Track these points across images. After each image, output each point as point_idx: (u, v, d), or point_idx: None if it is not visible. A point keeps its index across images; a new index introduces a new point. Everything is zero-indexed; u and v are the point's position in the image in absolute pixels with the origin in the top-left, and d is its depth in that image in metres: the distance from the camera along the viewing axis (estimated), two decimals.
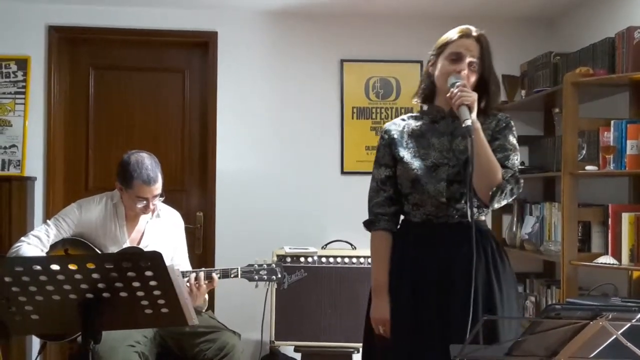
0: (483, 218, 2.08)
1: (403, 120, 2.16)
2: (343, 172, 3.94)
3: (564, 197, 3.03)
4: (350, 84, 3.97)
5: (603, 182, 3.32)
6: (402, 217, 2.12)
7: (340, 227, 3.79)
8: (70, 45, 3.93)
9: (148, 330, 2.71)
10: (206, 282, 2.68)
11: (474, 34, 2.03)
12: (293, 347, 3.38)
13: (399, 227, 2.12)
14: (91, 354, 1.82)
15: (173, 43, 3.96)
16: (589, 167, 3.02)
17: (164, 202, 2.88)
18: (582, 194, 3.13)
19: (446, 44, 2.02)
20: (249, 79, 3.93)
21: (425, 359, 1.93)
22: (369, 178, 2.18)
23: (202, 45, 3.95)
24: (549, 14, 3.89)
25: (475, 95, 1.90)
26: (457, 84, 1.91)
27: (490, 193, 1.90)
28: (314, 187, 3.93)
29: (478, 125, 1.88)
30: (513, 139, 2.03)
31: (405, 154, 2.05)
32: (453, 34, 2.04)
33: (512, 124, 2.06)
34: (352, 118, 3.98)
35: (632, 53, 2.89)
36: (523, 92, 3.84)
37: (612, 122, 2.95)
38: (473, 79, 2.00)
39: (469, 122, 1.83)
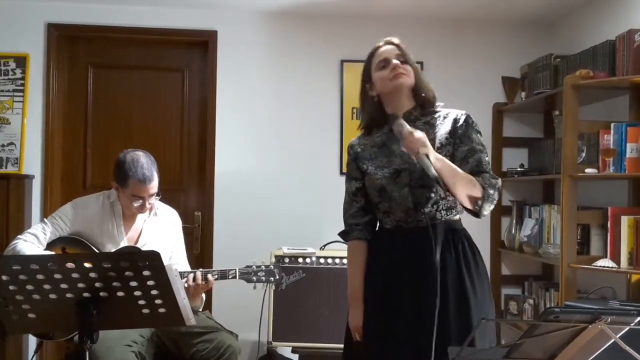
0: (457, 217, 2.12)
1: (365, 135, 2.22)
2: (342, 173, 3.92)
3: (563, 199, 3.02)
4: (350, 85, 3.97)
5: (602, 185, 3.32)
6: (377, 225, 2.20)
7: (338, 228, 3.77)
8: (69, 43, 3.92)
9: (145, 330, 2.71)
10: (203, 282, 2.68)
11: (383, 42, 2.16)
12: (291, 347, 3.37)
13: (374, 234, 2.18)
14: (88, 354, 1.82)
15: (172, 42, 3.96)
16: (588, 170, 3.02)
17: (161, 200, 2.88)
18: (581, 197, 3.13)
19: (370, 62, 2.15)
20: (248, 78, 3.93)
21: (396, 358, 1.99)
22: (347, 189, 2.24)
23: (202, 45, 3.94)
24: (550, 16, 3.89)
25: (423, 136, 1.91)
26: (402, 130, 1.93)
27: (477, 208, 1.97)
28: (312, 187, 3.93)
29: (439, 157, 1.93)
30: (478, 137, 2.07)
31: (369, 165, 2.13)
32: (371, 51, 2.17)
33: (471, 118, 2.09)
34: (352, 118, 3.97)
35: (633, 56, 2.89)
36: (523, 94, 3.84)
37: (612, 124, 2.95)
38: (409, 68, 2.09)
39: (434, 173, 1.87)
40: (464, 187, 1.94)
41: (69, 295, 1.77)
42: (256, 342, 3.54)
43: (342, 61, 3.96)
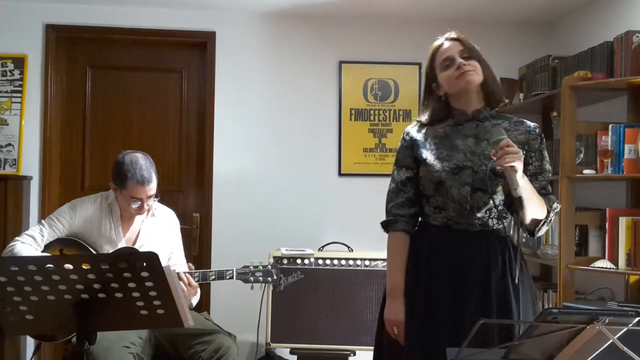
0: (501, 226, 2.01)
1: (426, 121, 2.09)
2: (341, 174, 3.93)
3: (561, 201, 3.02)
4: (348, 86, 3.97)
5: (600, 186, 3.32)
6: (420, 219, 2.09)
7: (337, 229, 3.78)
8: (68, 44, 3.92)
9: (143, 331, 2.71)
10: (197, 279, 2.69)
11: (444, 39, 2.05)
12: (289, 349, 3.37)
13: (416, 229, 2.08)
14: (86, 355, 1.82)
15: (171, 43, 3.96)
16: (586, 171, 3.02)
17: (159, 201, 2.87)
18: (579, 198, 3.13)
19: (433, 62, 2.05)
20: (247, 79, 3.93)
21: None
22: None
23: (200, 46, 3.94)
24: (548, 18, 3.89)
25: (519, 160, 1.79)
26: (502, 141, 1.81)
27: (539, 228, 1.93)
28: (311, 188, 3.93)
29: (523, 174, 1.83)
30: (546, 153, 2.02)
31: (428, 155, 2.01)
32: (432, 51, 2.07)
33: (542, 134, 2.04)
34: (350, 120, 3.97)
35: (631, 57, 2.89)
36: (521, 96, 3.84)
37: (610, 126, 2.95)
38: (476, 64, 1.98)
39: (520, 192, 1.79)
40: (535, 209, 1.88)
41: (67, 296, 1.77)
42: (254, 343, 3.54)
43: (341, 62, 3.96)
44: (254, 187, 3.91)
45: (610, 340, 1.28)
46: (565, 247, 3.01)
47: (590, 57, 3.17)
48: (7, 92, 3.75)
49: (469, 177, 1.94)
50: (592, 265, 2.96)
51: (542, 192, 1.95)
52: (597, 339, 1.30)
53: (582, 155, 3.10)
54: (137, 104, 3.96)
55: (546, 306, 3.52)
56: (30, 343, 3.59)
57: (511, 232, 2.04)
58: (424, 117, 2.08)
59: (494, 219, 1.96)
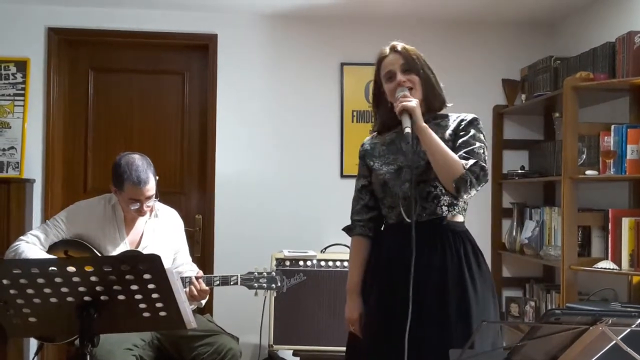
0: (461, 219, 2.14)
1: (379, 134, 2.28)
2: (343, 176, 3.93)
3: (564, 201, 3.02)
4: (350, 88, 3.97)
5: (603, 187, 3.31)
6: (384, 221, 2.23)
7: (339, 231, 3.73)
8: (70, 47, 3.93)
9: (146, 333, 2.71)
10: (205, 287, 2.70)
11: (388, 50, 2.20)
12: (292, 351, 3.37)
13: (382, 230, 2.22)
14: (89, 357, 1.81)
15: (173, 45, 3.96)
16: (589, 172, 3.02)
17: (160, 202, 2.87)
18: (582, 199, 3.13)
19: (379, 73, 2.20)
20: (248, 81, 3.93)
21: (396, 357, 1.98)
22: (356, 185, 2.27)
23: (202, 48, 3.95)
24: (550, 19, 3.89)
25: (414, 101, 2.02)
26: (398, 95, 2.06)
27: (454, 184, 1.98)
28: (313, 190, 3.93)
29: (424, 125, 2.00)
30: (478, 134, 2.10)
31: (376, 162, 2.20)
32: (379, 60, 2.22)
33: (478, 121, 2.14)
34: (352, 122, 3.98)
35: (633, 58, 2.89)
36: (523, 97, 3.84)
37: (612, 126, 2.95)
38: (416, 80, 2.12)
39: (408, 130, 1.96)
40: (442, 162, 1.98)
41: (69, 299, 1.77)
42: (257, 345, 3.53)
43: (342, 64, 3.97)
44: (255, 189, 3.91)
45: (614, 341, 1.28)
46: (568, 248, 3.01)
47: (592, 57, 3.17)
48: (9, 95, 3.76)
49: (408, 175, 2.08)
50: (595, 266, 2.95)
51: (464, 156, 2.03)
52: (601, 340, 1.30)
53: (584, 156, 3.10)
54: (139, 107, 3.96)
55: (549, 307, 3.52)
56: (32, 344, 3.59)
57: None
58: (376, 127, 2.28)
59: (443, 207, 2.07)
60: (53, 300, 1.77)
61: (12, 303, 1.79)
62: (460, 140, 2.08)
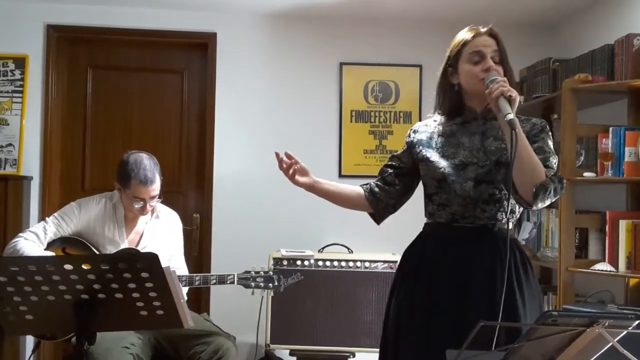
0: (510, 227, 1.96)
1: (435, 121, 2.09)
2: (341, 176, 3.93)
3: (561, 203, 3.02)
4: (349, 87, 3.97)
5: (601, 189, 3.32)
6: (426, 219, 2.09)
7: (337, 231, 3.78)
8: (69, 44, 3.92)
9: (143, 332, 2.71)
10: None
11: (485, 30, 2.00)
12: (288, 350, 3.37)
13: (423, 228, 2.09)
14: (85, 356, 1.81)
15: (172, 44, 3.96)
16: (587, 174, 3.02)
17: (162, 203, 2.88)
18: (579, 201, 3.13)
19: (462, 47, 1.99)
20: (247, 81, 3.93)
21: None
22: (367, 181, 2.21)
23: (201, 47, 3.94)
24: (549, 20, 3.90)
25: (516, 92, 1.81)
26: (497, 79, 1.83)
27: (534, 190, 1.81)
28: None
29: (517, 120, 1.79)
30: (551, 143, 1.95)
31: (432, 153, 2.01)
32: (465, 35, 2.00)
33: (548, 128, 1.99)
34: (351, 121, 3.98)
35: (631, 60, 2.89)
36: (522, 98, 3.83)
37: (610, 128, 2.95)
38: (501, 70, 1.93)
39: (511, 116, 1.74)
40: (529, 164, 1.79)
41: (67, 296, 1.77)
42: (254, 344, 3.54)
43: (341, 64, 3.97)
44: (254, 188, 3.91)
45: (610, 343, 1.28)
46: (565, 250, 3.01)
47: (591, 59, 3.17)
48: (7, 92, 3.75)
49: (472, 173, 1.93)
50: (592, 268, 2.96)
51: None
52: (597, 341, 1.30)
53: (582, 158, 3.10)
54: (138, 105, 3.96)
55: (546, 309, 3.52)
56: (29, 342, 3.59)
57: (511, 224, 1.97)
58: (442, 110, 2.06)
59: (502, 213, 1.92)
60: (50, 297, 1.77)
61: (9, 300, 1.78)
62: (535, 146, 1.89)
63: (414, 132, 2.11)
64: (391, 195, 2.12)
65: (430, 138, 2.05)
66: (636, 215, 2.96)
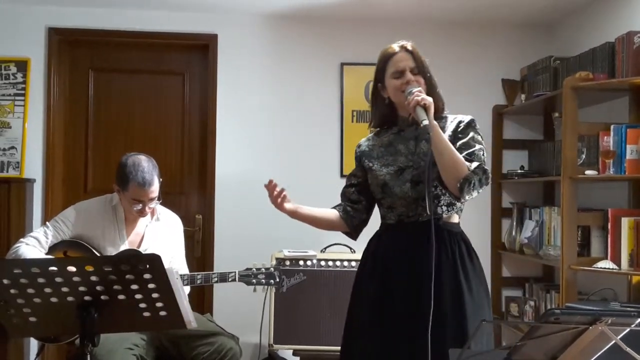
0: (456, 220, 2.17)
1: (375, 135, 2.31)
2: (342, 176, 3.93)
3: (563, 201, 3.02)
4: (350, 88, 3.97)
5: (603, 187, 3.32)
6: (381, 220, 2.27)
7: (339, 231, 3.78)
8: (70, 47, 3.93)
9: (146, 333, 2.71)
10: None
11: (399, 47, 2.20)
12: (292, 350, 3.37)
13: (378, 231, 2.25)
14: (89, 357, 1.82)
15: (173, 46, 3.97)
16: (588, 172, 3.02)
17: (162, 204, 2.88)
18: (581, 199, 3.13)
19: (384, 65, 2.20)
20: (249, 82, 3.93)
21: (391, 355, 2.04)
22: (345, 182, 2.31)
23: (202, 48, 3.95)
24: (549, 19, 3.89)
25: (430, 98, 2.03)
26: (413, 90, 2.06)
27: (459, 184, 2.00)
28: (313, 190, 3.91)
29: (435, 123, 2.00)
30: (477, 136, 2.13)
31: (374, 163, 2.22)
32: (384, 57, 2.22)
33: (475, 122, 2.16)
34: (352, 121, 3.98)
35: (632, 58, 2.89)
36: (523, 97, 3.84)
37: (611, 126, 2.95)
38: (422, 82, 2.14)
39: (426, 122, 1.97)
40: (450, 162, 1.99)
41: (70, 298, 1.78)
42: (257, 345, 3.53)
43: (342, 64, 3.97)
44: (256, 188, 3.88)
45: (613, 341, 1.28)
46: (567, 248, 3.01)
47: (592, 57, 3.17)
48: (10, 95, 3.76)
49: (409, 175, 2.12)
50: (595, 265, 2.96)
51: (466, 159, 2.04)
52: (600, 339, 1.31)
53: (584, 156, 3.10)
54: (140, 107, 3.97)
55: (549, 307, 3.52)
56: (33, 345, 3.59)
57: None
58: (373, 123, 2.30)
59: (443, 207, 2.10)
60: (53, 300, 1.77)
61: (13, 303, 1.79)
62: (460, 142, 2.10)
63: (358, 147, 2.33)
64: (360, 211, 2.31)
65: (372, 150, 2.27)
66: (638, 212, 2.96)
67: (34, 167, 3.78)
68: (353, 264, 3.36)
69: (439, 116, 2.18)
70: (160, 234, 2.87)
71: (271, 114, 3.94)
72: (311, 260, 3.37)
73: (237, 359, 2.74)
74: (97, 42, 3.92)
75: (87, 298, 1.78)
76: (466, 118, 2.17)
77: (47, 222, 2.83)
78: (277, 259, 3.34)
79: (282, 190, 2.32)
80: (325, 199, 3.88)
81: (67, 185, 3.92)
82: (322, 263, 3.36)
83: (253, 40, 3.94)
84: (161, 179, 2.77)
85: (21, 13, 3.81)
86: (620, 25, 3.14)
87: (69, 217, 2.78)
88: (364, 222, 2.32)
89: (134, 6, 3.81)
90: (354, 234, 2.34)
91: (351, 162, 3.91)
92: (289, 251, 3.42)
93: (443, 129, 2.13)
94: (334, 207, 2.36)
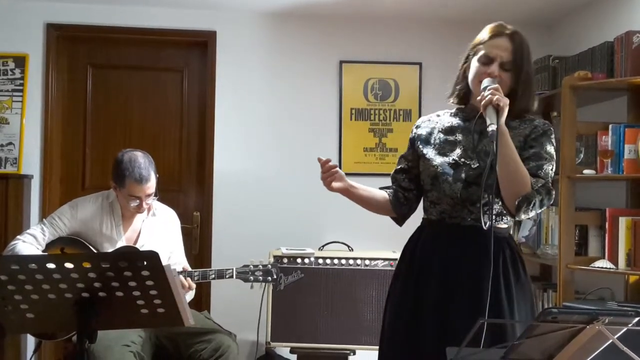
0: (505, 226, 1.99)
1: (438, 115, 2.11)
2: None
3: (561, 200, 3.03)
4: (349, 85, 3.97)
5: (600, 186, 3.32)
6: (423, 214, 2.12)
7: (337, 228, 3.78)
8: (69, 43, 3.92)
9: (143, 330, 2.71)
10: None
11: (507, 32, 1.97)
12: (289, 348, 3.37)
13: (421, 222, 2.10)
14: (86, 354, 1.82)
15: (172, 42, 3.96)
16: (586, 171, 3.02)
17: (160, 200, 2.87)
18: (579, 198, 3.13)
19: (478, 45, 1.98)
20: (247, 79, 3.93)
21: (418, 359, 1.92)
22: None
23: (201, 45, 3.94)
24: (548, 18, 3.89)
25: (506, 100, 1.81)
26: (490, 87, 1.84)
27: (517, 202, 1.82)
28: (311, 188, 3.89)
29: (505, 130, 1.81)
30: (550, 148, 1.93)
31: (429, 150, 2.02)
32: (485, 34, 1.99)
33: (551, 131, 1.96)
34: (351, 119, 3.98)
35: (631, 57, 2.90)
36: None
37: (610, 126, 2.95)
38: (506, 79, 1.92)
39: (493, 127, 1.76)
40: (513, 175, 1.80)
41: (67, 295, 1.77)
42: (254, 342, 3.54)
43: (341, 62, 3.97)
44: (254, 186, 3.91)
45: (610, 340, 1.28)
46: (565, 247, 3.01)
47: (591, 57, 3.17)
48: (8, 91, 3.75)
49: (463, 173, 1.94)
50: (592, 265, 2.96)
51: (533, 173, 1.86)
52: (597, 339, 1.31)
53: (582, 155, 3.11)
54: (138, 103, 3.96)
55: (546, 306, 3.52)
56: (30, 341, 3.59)
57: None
58: (450, 95, 2.07)
59: (487, 216, 1.89)
60: (51, 296, 1.77)
61: (10, 299, 1.78)
62: (531, 151, 1.89)
63: (416, 127, 2.12)
64: (411, 200, 2.13)
65: (430, 134, 2.06)
66: (636, 212, 2.96)
67: (31, 164, 3.77)
68: (351, 262, 3.36)
69: (523, 118, 1.98)
70: (157, 229, 2.87)
71: (270, 112, 3.93)
72: (309, 258, 3.37)
73: (235, 356, 2.74)
74: (95, 38, 3.91)
75: (84, 295, 1.77)
76: (543, 124, 1.96)
77: (44, 219, 2.83)
78: (274, 256, 3.34)
79: (336, 168, 2.04)
80: (323, 196, 3.90)
81: (64, 181, 3.91)
82: (320, 261, 3.36)
83: (252, 38, 3.93)
84: (157, 175, 2.76)
85: (19, 9, 3.80)
86: (619, 25, 3.14)
87: (66, 214, 2.78)
88: (413, 210, 2.13)
89: (133, 2, 3.80)
90: (401, 220, 2.15)
91: (350, 160, 3.98)
92: (286, 249, 3.42)
93: (515, 129, 1.93)
94: (384, 188, 2.13)
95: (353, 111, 3.98)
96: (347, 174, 3.92)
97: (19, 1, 3.79)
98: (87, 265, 1.72)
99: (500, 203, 1.87)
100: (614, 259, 2.92)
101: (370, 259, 3.36)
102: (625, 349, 1.28)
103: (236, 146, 3.91)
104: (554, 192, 1.88)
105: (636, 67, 2.88)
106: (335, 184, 2.05)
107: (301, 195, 3.92)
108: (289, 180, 3.92)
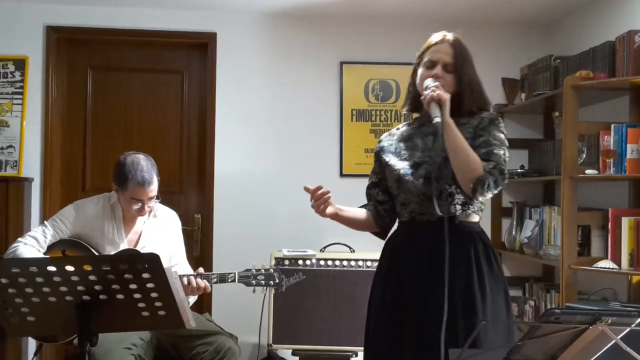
0: (476, 219, 2.09)
1: (398, 129, 2.26)
2: (342, 175, 3.93)
3: (563, 201, 3.02)
4: (349, 86, 3.97)
5: (603, 186, 3.31)
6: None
7: (338, 230, 3.72)
8: (69, 45, 3.92)
9: (144, 332, 2.70)
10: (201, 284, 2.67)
11: (448, 39, 2.12)
12: (291, 350, 3.37)
13: (394, 231, 2.21)
14: (87, 357, 1.81)
15: (172, 44, 3.96)
16: (589, 171, 3.01)
17: (161, 202, 2.87)
18: (581, 198, 3.12)
19: (425, 50, 2.14)
20: (248, 80, 3.93)
21: (400, 357, 2.00)
22: (367, 181, 2.24)
23: (201, 47, 3.94)
24: (550, 17, 3.89)
25: (447, 95, 1.97)
26: (430, 85, 2.00)
27: (472, 185, 1.94)
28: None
29: (450, 120, 1.95)
30: (499, 134, 2.05)
31: (392, 157, 2.16)
32: (428, 43, 2.15)
33: (499, 120, 2.09)
34: (352, 120, 3.97)
35: (633, 57, 2.89)
36: (523, 96, 3.83)
37: (612, 125, 2.94)
38: (449, 80, 2.05)
39: (438, 119, 1.92)
40: (465, 161, 1.93)
41: (68, 298, 1.77)
42: (256, 344, 3.53)
43: (342, 63, 3.96)
44: (255, 188, 3.91)
45: (613, 341, 1.28)
46: (567, 248, 3.00)
47: (592, 56, 3.16)
48: (8, 93, 3.75)
49: (423, 171, 2.05)
50: (595, 265, 2.95)
51: (484, 158, 1.97)
52: (600, 339, 1.30)
53: (584, 155, 3.10)
54: (138, 105, 3.96)
55: (549, 307, 3.51)
56: (31, 344, 3.58)
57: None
58: (405, 106, 2.23)
59: (457, 205, 2.02)
60: (52, 299, 1.77)
61: (11, 302, 1.78)
62: (480, 140, 2.02)
63: (379, 141, 2.27)
64: (389, 211, 2.23)
65: (391, 144, 2.21)
66: (639, 212, 2.95)
67: (32, 166, 3.77)
68: (352, 263, 3.36)
69: (474, 115, 2.09)
70: (158, 231, 2.86)
71: (270, 113, 3.93)
72: (310, 259, 3.36)
73: (236, 358, 2.73)
74: (95, 41, 3.91)
75: (85, 297, 1.77)
76: (490, 115, 2.09)
77: (45, 222, 2.82)
78: (276, 258, 3.33)
79: (328, 195, 2.10)
80: None
81: (65, 184, 3.91)
82: (322, 262, 3.36)
83: (252, 39, 3.93)
84: (160, 178, 2.76)
85: (19, 11, 3.80)
86: (621, 24, 3.14)
87: (67, 216, 2.78)
88: (393, 222, 2.24)
89: (133, 4, 3.80)
90: (382, 233, 2.26)
91: (351, 161, 3.98)
92: (288, 250, 3.41)
93: (464, 124, 2.04)
94: (363, 206, 2.26)
95: (354, 112, 3.98)
96: (348, 175, 3.97)
97: (18, 4, 3.79)
98: (87, 267, 1.72)
99: (458, 190, 1.99)
100: (616, 259, 2.91)
101: (372, 260, 3.35)
102: (628, 349, 1.27)
103: (237, 148, 3.91)
104: (506, 173, 2.00)
105: (638, 67, 2.87)
106: (328, 210, 2.14)
107: (302, 196, 3.88)
108: (290, 181, 3.91)
